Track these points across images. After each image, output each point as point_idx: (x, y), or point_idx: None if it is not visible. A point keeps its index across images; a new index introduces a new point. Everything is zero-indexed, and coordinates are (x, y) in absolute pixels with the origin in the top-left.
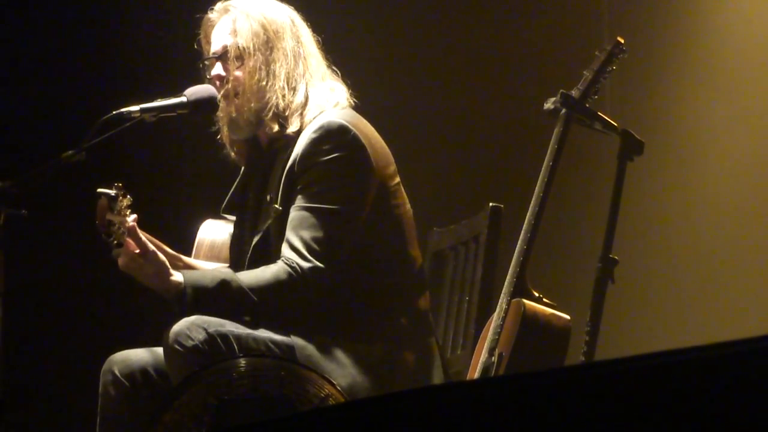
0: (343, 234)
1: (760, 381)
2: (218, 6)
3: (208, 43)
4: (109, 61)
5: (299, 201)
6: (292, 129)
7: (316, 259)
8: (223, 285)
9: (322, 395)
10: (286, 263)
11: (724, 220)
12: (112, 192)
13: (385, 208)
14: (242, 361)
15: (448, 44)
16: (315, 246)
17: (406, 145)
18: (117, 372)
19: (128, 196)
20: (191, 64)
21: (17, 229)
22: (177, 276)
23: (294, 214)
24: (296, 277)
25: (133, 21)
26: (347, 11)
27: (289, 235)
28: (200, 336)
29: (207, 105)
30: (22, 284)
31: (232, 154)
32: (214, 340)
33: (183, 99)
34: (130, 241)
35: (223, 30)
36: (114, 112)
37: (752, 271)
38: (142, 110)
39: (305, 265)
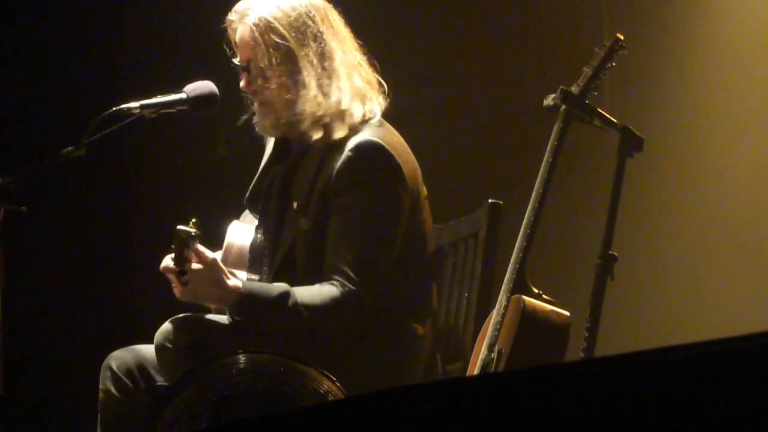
0: (386, 255)
1: (759, 377)
2: (237, 7)
3: (235, 44)
4: (109, 57)
5: (340, 223)
6: (335, 137)
7: (365, 281)
8: (283, 297)
9: (322, 391)
10: (339, 285)
11: (724, 216)
12: (193, 231)
13: (414, 223)
14: (241, 357)
15: (447, 40)
16: (362, 268)
17: (405, 140)
18: (116, 368)
19: (201, 230)
20: (191, 59)
21: (17, 226)
22: (234, 282)
23: (337, 236)
24: (349, 299)
25: (134, 17)
26: (345, 9)
27: (335, 258)
28: (187, 337)
29: (207, 101)
30: (22, 280)
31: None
32: (203, 336)
33: (183, 95)
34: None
35: (244, 40)
36: (114, 109)
37: (752, 267)
38: (142, 107)
39: (354, 289)
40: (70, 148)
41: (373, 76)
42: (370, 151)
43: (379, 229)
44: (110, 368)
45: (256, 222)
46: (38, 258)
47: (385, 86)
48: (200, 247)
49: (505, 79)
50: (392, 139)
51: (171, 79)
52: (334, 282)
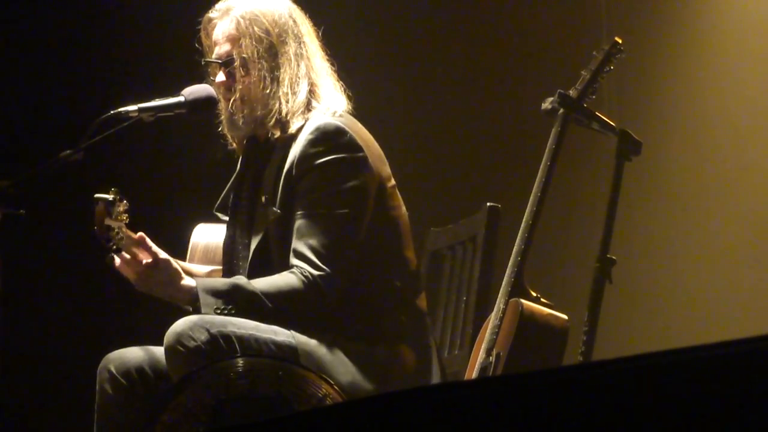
0: (350, 237)
1: (759, 381)
2: (219, 5)
3: (210, 42)
4: (107, 61)
5: (302, 207)
6: (291, 130)
7: (327, 266)
8: (236, 289)
9: (320, 395)
10: (298, 272)
11: (723, 219)
12: (110, 197)
13: (382, 209)
14: (240, 361)
15: (445, 44)
16: (324, 253)
17: (403, 145)
18: (113, 370)
19: (125, 201)
20: (189, 63)
21: (15, 229)
22: (188, 281)
23: (300, 221)
24: (310, 285)
25: (131, 20)
26: (344, 10)
27: (297, 243)
28: (202, 336)
29: (205, 104)
30: (20, 283)
31: (234, 145)
32: (216, 340)
33: (181, 99)
34: (138, 251)
35: (226, 34)
36: (112, 112)
37: (750, 269)
38: (140, 110)
39: (317, 273)
40: (68, 152)
41: (339, 85)
42: (330, 132)
43: (343, 209)
44: (107, 369)
45: (224, 223)
46: (36, 261)
47: (350, 96)
48: (154, 248)
49: (504, 83)
50: (354, 124)
51: (169, 82)
52: (294, 269)
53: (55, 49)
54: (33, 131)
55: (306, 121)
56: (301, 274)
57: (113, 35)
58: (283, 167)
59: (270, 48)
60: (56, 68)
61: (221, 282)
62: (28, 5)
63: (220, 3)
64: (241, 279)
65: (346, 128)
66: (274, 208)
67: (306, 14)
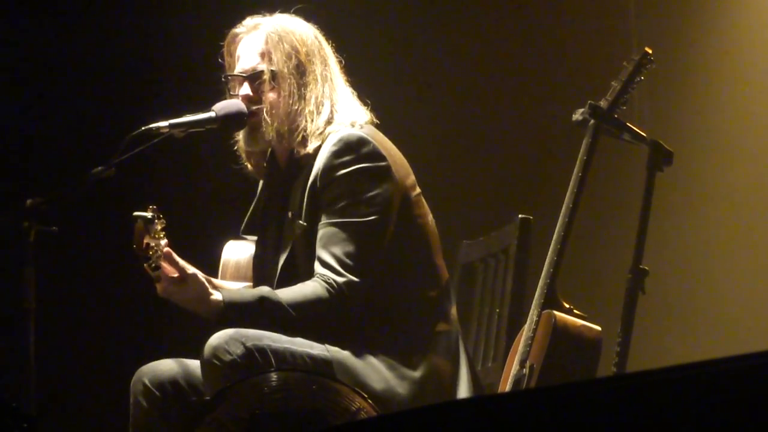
0: (374, 245)
1: None
2: (247, 22)
3: (232, 58)
4: (138, 77)
5: (326, 217)
6: (312, 146)
7: (351, 274)
8: (262, 301)
9: (354, 409)
10: (321, 280)
11: (756, 229)
12: (149, 215)
13: (409, 218)
14: (274, 375)
15: (476, 55)
16: (348, 261)
17: (434, 158)
18: (147, 382)
19: (162, 219)
20: (220, 79)
21: (48, 245)
22: (216, 295)
23: (323, 230)
24: (333, 292)
25: (163, 37)
26: (371, 23)
27: (321, 252)
28: (238, 350)
29: (236, 120)
30: (53, 299)
31: (249, 166)
32: (252, 354)
33: (212, 114)
34: (166, 266)
35: (253, 49)
36: (143, 128)
37: None
38: (171, 126)
39: (340, 280)
40: (100, 168)
41: (363, 107)
42: (353, 143)
43: (366, 217)
44: (141, 382)
45: (253, 240)
46: (69, 277)
47: (374, 116)
48: (181, 262)
49: (535, 94)
50: (376, 134)
51: (198, 98)
52: (320, 276)
53: (86, 67)
54: (65, 148)
55: (328, 135)
56: (324, 281)
57: (145, 52)
58: (308, 181)
59: (298, 66)
60: (88, 84)
61: (247, 294)
62: (61, 24)
63: (246, 20)
64: (264, 289)
65: (369, 138)
66: (300, 221)
67: (328, 35)
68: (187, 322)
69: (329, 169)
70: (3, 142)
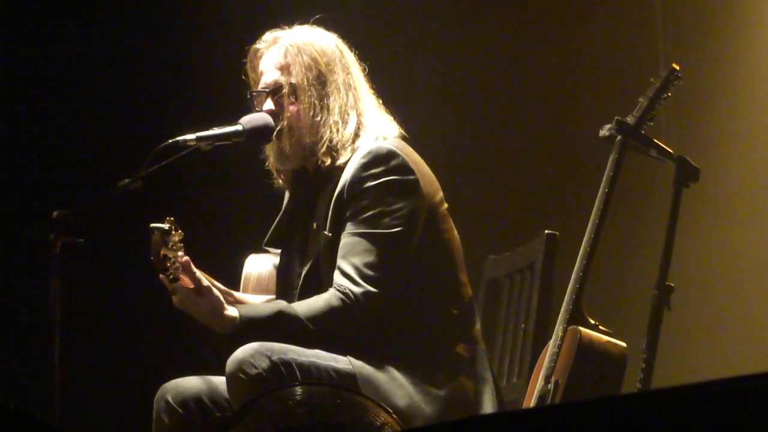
0: (396, 257)
1: None
2: (266, 36)
3: (255, 73)
4: (165, 90)
5: (349, 227)
6: (342, 160)
7: (368, 284)
8: (279, 316)
9: (378, 423)
10: (337, 290)
11: None
12: (166, 226)
13: (435, 233)
14: (298, 389)
15: (504, 71)
16: (366, 271)
17: (460, 173)
18: (170, 399)
19: (180, 231)
20: (246, 91)
21: (74, 258)
22: (231, 311)
23: (344, 240)
24: (349, 303)
25: (190, 50)
26: (397, 36)
27: (340, 262)
28: (264, 364)
29: (263, 133)
30: (79, 312)
31: (280, 181)
32: (277, 368)
33: (239, 127)
34: (184, 277)
35: (274, 63)
36: (170, 141)
37: None
38: (198, 138)
39: (357, 290)
40: (126, 181)
41: (388, 115)
42: (381, 155)
43: (388, 229)
44: (164, 399)
45: (275, 253)
46: (95, 290)
47: (402, 126)
48: (198, 274)
49: (561, 110)
50: (405, 148)
51: (224, 111)
52: (337, 286)
53: (113, 79)
54: (92, 160)
55: (357, 148)
56: (342, 292)
57: (173, 65)
58: (335, 192)
59: (319, 76)
60: (116, 98)
61: (263, 310)
62: (90, 38)
63: (266, 34)
64: (281, 303)
65: (398, 151)
66: (325, 232)
67: (352, 47)
68: (212, 335)
69: (357, 180)
70: (30, 154)
